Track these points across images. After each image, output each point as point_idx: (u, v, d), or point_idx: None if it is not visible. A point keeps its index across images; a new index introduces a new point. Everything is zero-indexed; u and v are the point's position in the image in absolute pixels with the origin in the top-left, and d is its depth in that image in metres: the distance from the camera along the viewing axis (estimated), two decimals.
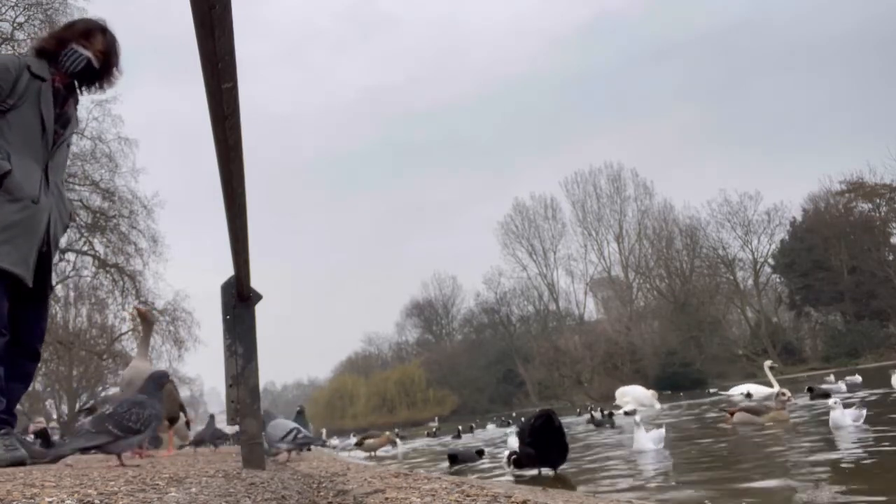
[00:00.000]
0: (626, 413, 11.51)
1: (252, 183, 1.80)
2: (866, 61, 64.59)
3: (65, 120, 2.85)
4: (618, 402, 14.74)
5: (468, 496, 1.29)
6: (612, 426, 9.02)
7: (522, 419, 12.41)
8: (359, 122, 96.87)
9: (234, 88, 1.28)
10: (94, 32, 2.86)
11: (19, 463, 2.41)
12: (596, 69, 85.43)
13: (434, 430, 17.92)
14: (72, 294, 26.66)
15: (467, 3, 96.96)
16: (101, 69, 2.90)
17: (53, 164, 2.79)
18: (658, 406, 13.71)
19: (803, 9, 71.74)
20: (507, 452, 5.11)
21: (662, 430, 4.88)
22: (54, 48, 2.82)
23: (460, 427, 13.60)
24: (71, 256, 22.56)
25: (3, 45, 19.66)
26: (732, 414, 6.25)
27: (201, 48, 1.13)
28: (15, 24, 19.65)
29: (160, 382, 2.75)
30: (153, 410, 2.53)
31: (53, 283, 2.93)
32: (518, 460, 4.51)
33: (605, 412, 11.71)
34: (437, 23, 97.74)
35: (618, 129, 75.86)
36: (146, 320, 4.05)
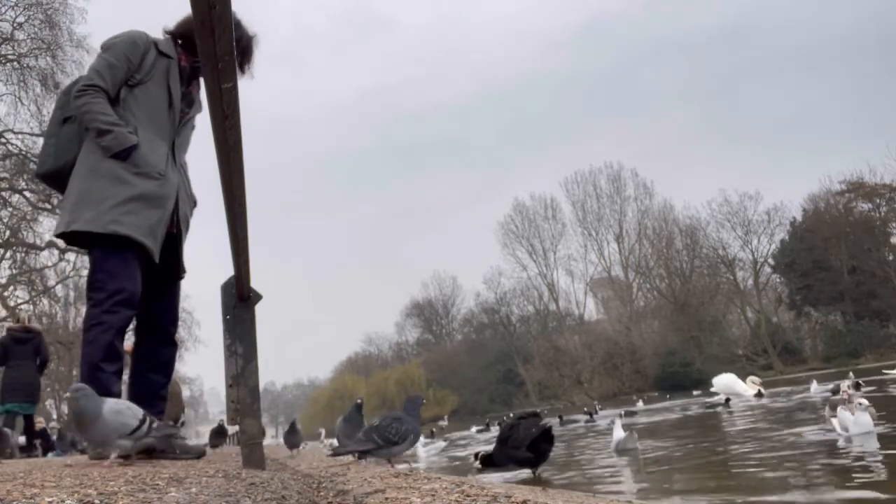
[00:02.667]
0: (726, 401, 11.13)
1: (252, 183, 1.80)
2: (866, 61, 64.68)
3: (190, 99, 2.84)
4: (714, 389, 14.14)
5: (468, 496, 1.29)
6: (730, 411, 9.61)
7: (498, 424, 12.62)
8: (358, 123, 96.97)
9: (234, 88, 1.28)
10: None
11: (201, 454, 2.47)
12: (596, 69, 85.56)
13: (431, 431, 17.81)
14: (72, 294, 26.66)
15: (467, 4, 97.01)
16: None
17: (179, 142, 2.77)
18: (750, 393, 12.63)
19: (803, 9, 71.82)
20: (474, 452, 5.21)
21: (624, 434, 5.19)
22: (189, 32, 2.73)
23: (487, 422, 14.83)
24: (71, 256, 22.56)
25: (2, 45, 19.68)
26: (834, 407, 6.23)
27: (201, 48, 1.13)
28: (15, 24, 19.66)
29: (417, 402, 2.96)
30: (409, 426, 2.78)
31: (178, 266, 2.82)
32: (487, 458, 4.49)
33: (725, 398, 11.42)
34: (437, 24, 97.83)
35: (618, 129, 75.97)
36: None
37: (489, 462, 4.53)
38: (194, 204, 2.94)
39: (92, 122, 2.50)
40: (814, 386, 11.38)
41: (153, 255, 2.52)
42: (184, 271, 2.85)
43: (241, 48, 2.83)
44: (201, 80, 2.85)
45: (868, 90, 65.48)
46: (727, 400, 11.04)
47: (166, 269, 2.71)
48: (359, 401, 4.66)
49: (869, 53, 65.34)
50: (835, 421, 4.34)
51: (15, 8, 19.61)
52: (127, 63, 2.62)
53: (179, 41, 2.82)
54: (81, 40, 20.44)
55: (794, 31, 72.02)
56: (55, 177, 2.67)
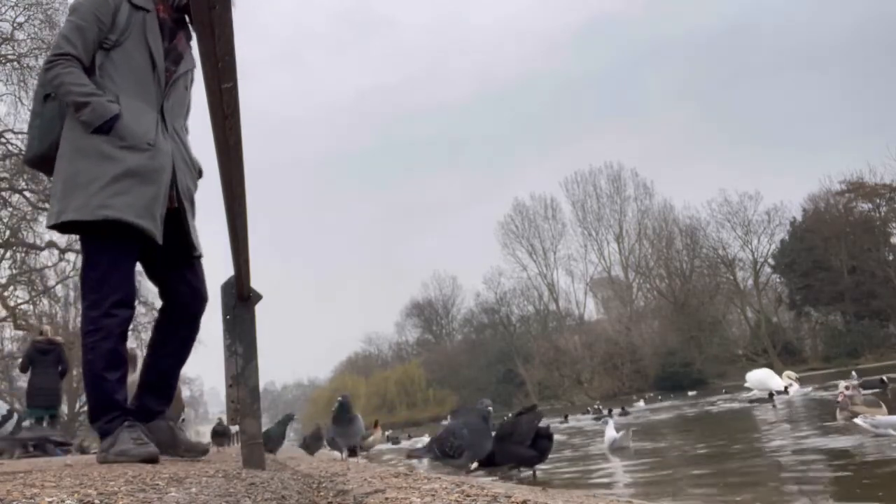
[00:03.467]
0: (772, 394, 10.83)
1: (252, 183, 1.80)
2: (866, 61, 64.71)
3: (176, 55, 2.51)
4: (748, 384, 13.65)
5: (468, 496, 1.29)
6: (774, 405, 9.45)
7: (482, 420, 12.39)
8: (358, 123, 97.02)
9: (234, 88, 1.28)
10: None
11: (151, 460, 2.13)
12: (596, 69, 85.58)
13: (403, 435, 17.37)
14: (72, 294, 26.65)
15: (467, 4, 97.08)
16: None
17: (169, 106, 2.48)
18: (780, 386, 12.03)
19: (803, 9, 71.86)
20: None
21: (619, 434, 5.42)
22: None
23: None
24: (71, 256, 22.51)
25: (2, 45, 19.68)
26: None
27: (201, 48, 1.13)
28: (15, 24, 19.65)
29: (486, 415, 2.87)
30: (466, 441, 2.74)
31: (188, 244, 2.52)
32: (488, 459, 4.45)
33: (769, 393, 11.09)
34: (437, 24, 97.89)
35: (618, 129, 75.99)
36: None
37: (487, 461, 4.50)
38: (199, 173, 2.67)
39: (67, 96, 2.27)
40: (793, 388, 11.24)
41: (153, 236, 2.29)
42: (196, 251, 2.57)
43: None
44: (192, 33, 2.48)
45: (868, 90, 65.56)
46: (771, 395, 10.67)
47: (178, 249, 2.49)
48: (340, 398, 4.54)
49: (869, 53, 65.43)
50: (859, 421, 4.17)
51: (15, 8, 19.60)
52: (97, 23, 2.34)
53: None
54: None
55: (794, 31, 72.08)
56: (43, 160, 2.42)
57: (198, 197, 2.71)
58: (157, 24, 2.45)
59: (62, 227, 2.34)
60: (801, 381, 12.34)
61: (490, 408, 2.99)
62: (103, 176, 2.22)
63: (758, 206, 48.35)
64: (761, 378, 12.82)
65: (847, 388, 5.90)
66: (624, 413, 12.68)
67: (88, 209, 2.20)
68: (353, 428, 4.34)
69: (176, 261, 2.52)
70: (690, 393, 23.93)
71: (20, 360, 9.41)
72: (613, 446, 5.31)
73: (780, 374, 13.13)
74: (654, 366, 46.91)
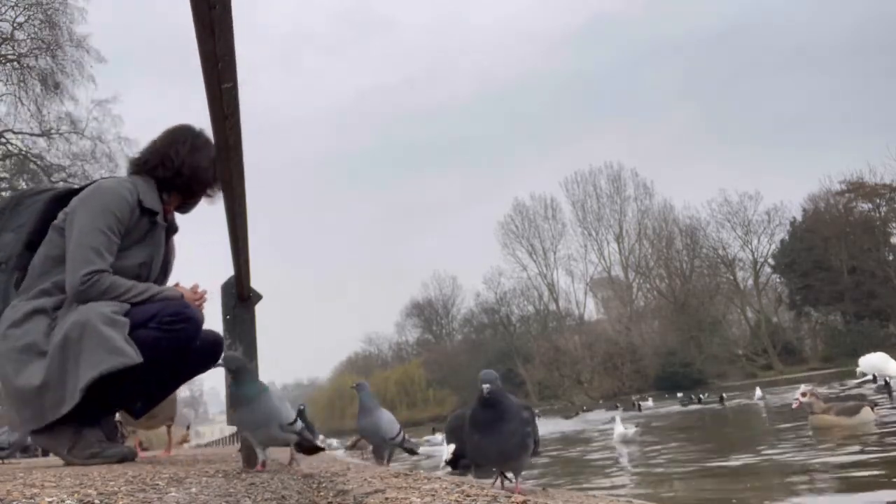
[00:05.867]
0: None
1: (252, 183, 1.80)
2: (866, 62, 64.76)
3: (167, 261, 2.42)
4: (861, 369, 13.00)
5: (468, 496, 1.29)
6: (890, 395, 8.72)
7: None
8: (358, 123, 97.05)
9: (234, 88, 1.28)
10: None
11: (129, 458, 2.13)
12: (596, 69, 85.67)
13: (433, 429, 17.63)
14: None
15: (467, 4, 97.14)
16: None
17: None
18: None
19: (803, 9, 71.91)
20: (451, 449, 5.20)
21: (628, 430, 5.91)
22: (186, 174, 2.34)
23: None
24: None
25: (2, 45, 19.69)
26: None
27: (201, 48, 1.13)
28: (15, 24, 19.68)
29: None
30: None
31: None
32: (459, 460, 4.38)
33: (887, 378, 9.88)
34: (437, 24, 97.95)
35: (618, 129, 76.04)
36: None
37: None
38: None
39: (129, 301, 2.11)
40: (757, 392, 11.63)
41: (102, 415, 2.09)
42: None
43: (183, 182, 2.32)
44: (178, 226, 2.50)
45: (868, 90, 65.60)
46: (886, 382, 9.64)
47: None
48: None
49: (869, 53, 65.46)
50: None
51: (15, 8, 19.62)
52: (119, 230, 2.16)
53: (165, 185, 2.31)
54: (81, 40, 20.46)
55: (794, 31, 72.11)
56: None
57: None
58: (163, 233, 2.33)
59: None
60: None
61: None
62: (34, 380, 2.02)
63: (758, 206, 48.51)
64: (876, 363, 11.95)
65: (804, 394, 5.11)
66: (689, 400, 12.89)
67: (43, 418, 2.04)
68: (373, 418, 2.88)
69: None
70: (679, 394, 23.88)
71: None
72: (623, 440, 5.74)
73: (779, 372, 13.17)
74: (654, 366, 46.92)
